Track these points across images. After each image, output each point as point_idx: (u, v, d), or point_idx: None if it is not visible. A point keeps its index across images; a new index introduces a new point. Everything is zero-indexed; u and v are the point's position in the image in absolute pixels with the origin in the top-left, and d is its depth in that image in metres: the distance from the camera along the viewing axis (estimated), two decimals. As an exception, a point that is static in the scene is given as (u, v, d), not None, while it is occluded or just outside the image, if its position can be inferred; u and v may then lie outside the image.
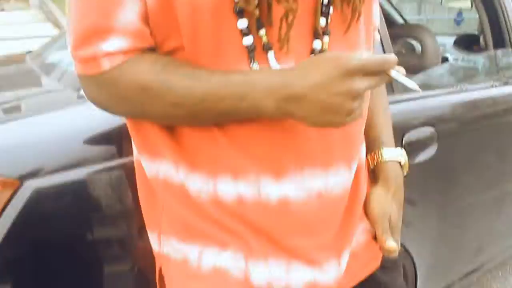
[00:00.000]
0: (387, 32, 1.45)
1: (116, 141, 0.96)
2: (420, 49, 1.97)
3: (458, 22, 3.07)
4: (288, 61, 0.66)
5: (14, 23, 10.72)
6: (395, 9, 3.25)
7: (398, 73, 0.62)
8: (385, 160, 0.88)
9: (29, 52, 2.13)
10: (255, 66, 0.65)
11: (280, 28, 0.64)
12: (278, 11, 0.63)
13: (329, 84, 0.58)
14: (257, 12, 0.63)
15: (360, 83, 0.59)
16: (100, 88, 0.66)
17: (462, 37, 3.08)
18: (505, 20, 1.86)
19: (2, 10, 14.30)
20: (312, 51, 0.69)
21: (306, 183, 0.71)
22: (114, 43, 0.62)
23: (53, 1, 12.52)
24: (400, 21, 3.23)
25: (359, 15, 0.72)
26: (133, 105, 0.66)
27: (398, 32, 2.31)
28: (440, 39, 3.26)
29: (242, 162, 0.69)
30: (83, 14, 0.63)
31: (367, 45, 0.79)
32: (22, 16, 11.47)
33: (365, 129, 0.84)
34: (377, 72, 0.60)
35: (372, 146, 0.90)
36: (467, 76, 2.11)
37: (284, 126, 0.68)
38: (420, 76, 1.80)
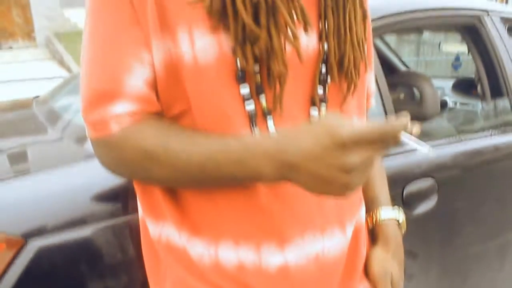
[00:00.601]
0: (385, 80, 1.48)
1: (121, 198, 0.97)
2: (419, 97, 2.01)
3: (456, 67, 3.14)
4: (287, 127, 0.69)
5: (21, 61, 10.91)
6: (394, 52, 3.32)
7: (409, 138, 0.57)
8: (383, 220, 0.89)
9: (36, 97, 2.17)
10: (257, 131, 0.67)
11: (274, 93, 0.67)
12: None
13: (321, 155, 0.56)
14: (258, 77, 0.66)
15: (355, 157, 0.55)
16: (109, 151, 0.68)
17: (460, 80, 3.13)
18: (500, 69, 1.90)
19: (10, 48, 14.63)
20: (310, 119, 0.72)
21: (306, 248, 0.72)
22: (122, 107, 0.65)
23: (59, 41, 12.80)
24: (399, 64, 3.30)
25: (355, 87, 0.75)
26: (138, 169, 0.68)
27: (397, 79, 2.36)
28: (439, 82, 3.33)
29: (243, 229, 0.70)
30: (93, 78, 0.65)
31: (361, 114, 0.82)
32: (29, 55, 11.70)
33: (362, 189, 0.86)
34: (380, 140, 0.56)
35: (370, 206, 0.92)
36: (466, 125, 2.13)
37: (282, 191, 0.69)
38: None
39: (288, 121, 0.69)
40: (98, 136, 0.67)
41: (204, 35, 0.63)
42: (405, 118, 0.56)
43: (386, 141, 0.56)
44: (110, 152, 0.68)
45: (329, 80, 0.73)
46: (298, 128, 0.61)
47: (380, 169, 0.97)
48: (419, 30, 2.99)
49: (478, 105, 2.57)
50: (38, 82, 3.61)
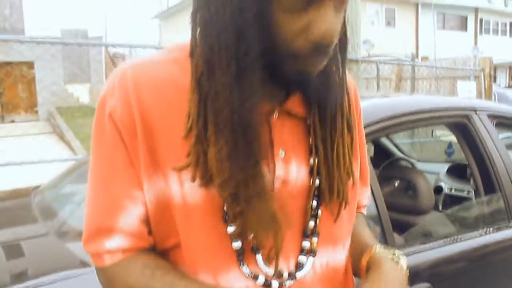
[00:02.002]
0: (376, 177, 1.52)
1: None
2: (413, 191, 2.04)
3: (449, 154, 3.20)
4: (277, 262, 0.70)
5: (22, 134, 11.09)
6: (387, 136, 3.39)
7: None
8: (378, 252, 0.81)
9: (35, 188, 2.19)
10: (245, 268, 0.69)
11: (269, 250, 0.69)
12: None
13: None
14: (245, 219, 0.67)
15: None
16: (103, 279, 0.73)
17: (455, 166, 3.17)
18: (491, 165, 1.94)
19: (12, 121, 14.91)
20: (301, 251, 0.73)
21: None
22: (115, 242, 0.69)
23: (61, 115, 13.10)
24: (393, 148, 3.36)
25: (345, 205, 0.77)
26: None
27: (391, 172, 2.40)
28: (434, 166, 3.38)
29: None
30: (92, 213, 0.71)
31: (351, 224, 0.83)
32: (31, 128, 11.89)
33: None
34: None
35: (363, 251, 0.84)
36: (461, 222, 2.14)
37: None
38: (416, 227, 1.83)
39: (279, 255, 0.70)
40: (95, 265, 0.72)
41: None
42: None
43: None
44: (104, 280, 0.73)
45: (319, 212, 0.75)
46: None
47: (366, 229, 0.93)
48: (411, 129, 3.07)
49: (472, 193, 2.60)
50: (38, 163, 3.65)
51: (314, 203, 0.74)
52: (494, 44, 22.49)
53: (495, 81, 17.55)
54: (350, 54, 3.21)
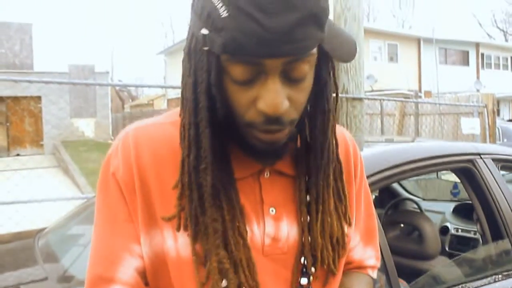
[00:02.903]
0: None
1: None
2: (420, 236, 2.02)
3: (454, 194, 3.19)
4: None
5: (26, 168, 11.11)
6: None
7: None
8: None
9: (40, 231, 2.19)
10: None
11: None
12: None
13: None
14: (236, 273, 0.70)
15: None
16: None
17: (461, 205, 3.14)
18: (497, 209, 1.92)
19: (18, 155, 14.99)
20: None
21: None
22: None
23: (66, 149, 13.19)
24: (398, 188, 3.35)
25: (333, 274, 0.79)
26: None
27: (397, 217, 2.39)
28: (440, 206, 3.35)
29: None
30: (94, 263, 0.75)
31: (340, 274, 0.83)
32: (36, 162, 11.95)
33: None
34: None
35: None
36: (469, 267, 2.11)
37: None
38: (423, 274, 1.80)
39: None
40: None
41: (185, 233, 0.71)
42: None
43: None
44: None
45: (313, 269, 0.76)
46: None
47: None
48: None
49: (478, 234, 2.57)
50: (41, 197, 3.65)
51: (305, 260, 0.76)
52: (496, 78, 22.68)
53: (498, 114, 17.62)
54: (354, 93, 3.25)
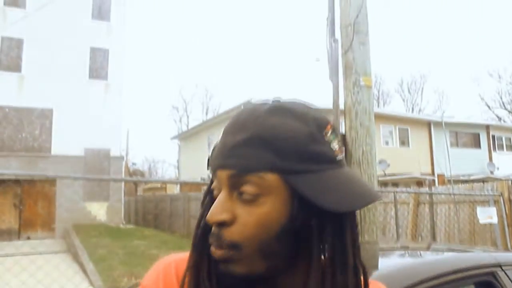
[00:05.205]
0: None
1: None
2: None
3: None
4: None
5: (35, 253, 11.01)
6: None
7: None
8: None
9: None
10: None
11: None
12: None
13: None
14: None
15: None
16: None
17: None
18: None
19: (28, 238, 14.90)
20: None
21: None
22: None
23: (77, 233, 13.09)
24: None
25: None
26: None
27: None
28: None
29: None
30: None
31: None
32: (45, 246, 11.82)
33: None
34: None
35: None
36: None
37: None
38: None
39: None
40: None
41: None
42: None
43: None
44: None
45: None
46: None
47: None
48: None
49: None
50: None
51: None
52: (510, 160, 22.57)
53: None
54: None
